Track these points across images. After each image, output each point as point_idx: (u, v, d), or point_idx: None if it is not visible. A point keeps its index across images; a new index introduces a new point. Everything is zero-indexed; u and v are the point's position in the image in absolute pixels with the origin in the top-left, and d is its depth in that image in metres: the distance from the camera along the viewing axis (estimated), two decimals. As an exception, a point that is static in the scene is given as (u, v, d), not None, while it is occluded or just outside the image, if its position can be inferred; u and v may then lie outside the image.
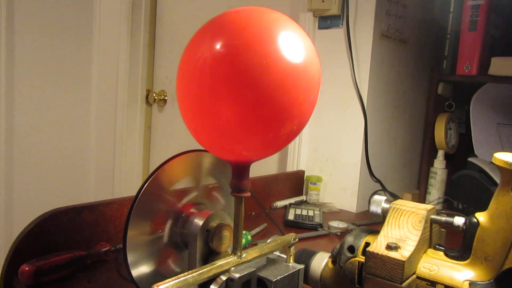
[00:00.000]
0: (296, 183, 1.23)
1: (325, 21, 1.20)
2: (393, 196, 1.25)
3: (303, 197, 1.20)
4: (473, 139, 1.25)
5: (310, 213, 1.02)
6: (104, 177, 1.77)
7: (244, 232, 0.81)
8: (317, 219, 0.98)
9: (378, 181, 1.24)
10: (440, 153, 1.26)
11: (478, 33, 1.19)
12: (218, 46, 0.39)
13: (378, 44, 1.16)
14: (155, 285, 0.37)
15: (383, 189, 1.25)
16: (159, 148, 1.78)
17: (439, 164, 1.25)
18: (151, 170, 0.49)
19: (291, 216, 0.99)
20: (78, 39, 1.85)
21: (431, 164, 1.28)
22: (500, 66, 1.16)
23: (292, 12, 1.28)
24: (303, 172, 1.25)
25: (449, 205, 1.23)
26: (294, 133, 0.45)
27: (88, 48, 1.79)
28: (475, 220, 0.45)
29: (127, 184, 1.72)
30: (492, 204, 0.44)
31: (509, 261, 0.42)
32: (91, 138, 1.82)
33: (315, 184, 1.20)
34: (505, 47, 1.29)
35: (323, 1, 1.16)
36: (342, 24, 1.16)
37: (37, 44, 1.87)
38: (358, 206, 1.18)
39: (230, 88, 0.39)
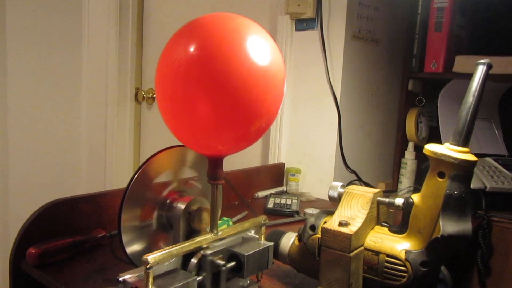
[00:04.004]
0: (277, 174, 1.32)
1: (301, 24, 1.28)
2: (368, 186, 1.34)
3: (283, 188, 1.29)
4: (441, 132, 1.34)
5: (288, 201, 1.11)
6: (96, 173, 1.83)
7: (226, 218, 0.89)
8: (294, 207, 1.07)
9: (353, 172, 1.33)
10: (410, 145, 1.35)
11: (443, 33, 1.28)
12: (187, 55, 0.46)
13: (350, 45, 1.24)
14: (145, 255, 0.46)
15: (358, 179, 1.35)
16: (148, 144, 1.84)
17: (409, 155, 1.35)
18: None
19: (270, 205, 1.08)
20: (67, 40, 1.90)
21: (403, 155, 1.38)
22: (463, 64, 1.25)
23: (271, 15, 1.36)
24: (284, 164, 1.34)
25: (419, 193, 1.33)
26: (263, 129, 0.53)
27: (78, 48, 1.84)
28: (411, 200, 0.55)
29: (118, 179, 1.79)
30: (424, 187, 0.54)
31: (436, 232, 0.51)
32: (82, 135, 1.87)
33: (294, 175, 1.29)
34: (469, 46, 1.39)
35: (299, 5, 1.24)
36: (316, 27, 1.25)
37: (27, 44, 1.93)
38: (334, 195, 1.27)
39: (200, 91, 0.46)
